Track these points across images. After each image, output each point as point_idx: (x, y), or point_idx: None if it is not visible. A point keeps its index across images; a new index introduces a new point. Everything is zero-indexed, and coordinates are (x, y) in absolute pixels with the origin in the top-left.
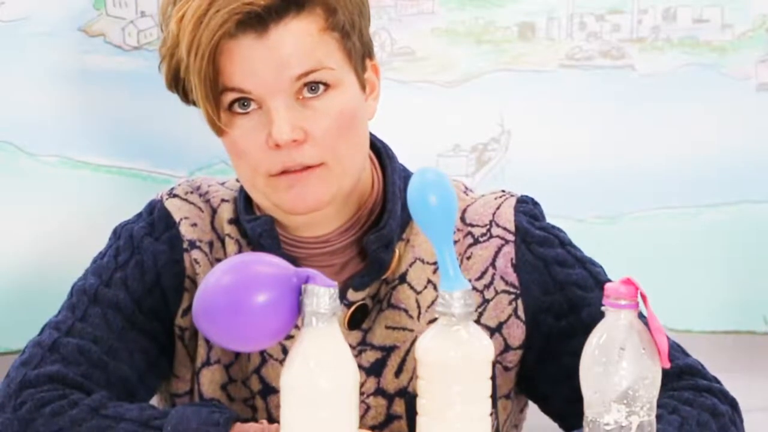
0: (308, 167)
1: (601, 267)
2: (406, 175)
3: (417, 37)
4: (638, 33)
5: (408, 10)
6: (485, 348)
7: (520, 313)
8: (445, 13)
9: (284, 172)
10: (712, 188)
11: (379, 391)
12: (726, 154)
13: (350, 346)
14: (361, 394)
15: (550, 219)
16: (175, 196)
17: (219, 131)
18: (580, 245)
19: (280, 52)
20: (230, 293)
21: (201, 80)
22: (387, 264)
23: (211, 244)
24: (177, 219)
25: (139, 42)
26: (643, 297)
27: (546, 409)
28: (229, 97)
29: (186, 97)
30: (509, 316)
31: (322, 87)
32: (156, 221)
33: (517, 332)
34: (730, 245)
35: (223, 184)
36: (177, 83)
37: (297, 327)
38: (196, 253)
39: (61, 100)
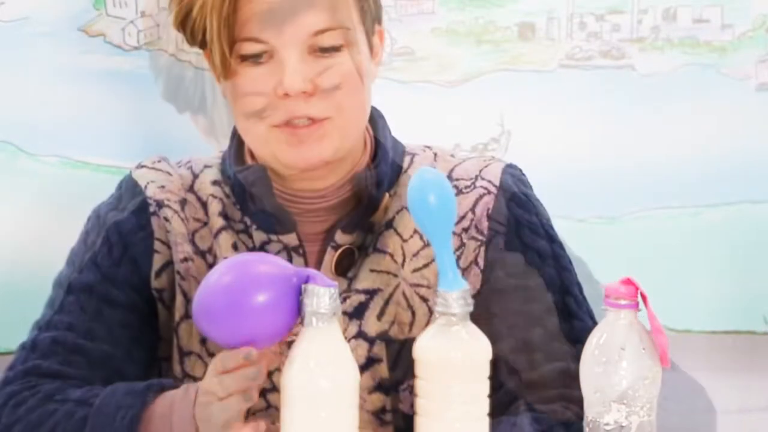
0: (313, 121)
1: (565, 252)
2: (395, 143)
3: (417, 37)
4: (638, 33)
5: (408, 10)
6: (484, 348)
7: (480, 260)
8: (445, 13)
9: (288, 125)
10: (712, 188)
11: (361, 334)
12: (726, 154)
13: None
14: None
15: (550, 219)
16: (142, 167)
17: (227, 74)
18: (580, 245)
19: (303, 2)
20: (230, 293)
21: (220, 19)
22: (377, 203)
23: (183, 202)
24: (143, 184)
25: (139, 42)
26: (643, 297)
27: None
28: (243, 46)
29: (193, 38)
30: (471, 263)
31: (336, 46)
32: (123, 193)
33: (474, 280)
34: (730, 245)
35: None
36: (186, 23)
37: None
38: (165, 211)
39: (61, 100)
